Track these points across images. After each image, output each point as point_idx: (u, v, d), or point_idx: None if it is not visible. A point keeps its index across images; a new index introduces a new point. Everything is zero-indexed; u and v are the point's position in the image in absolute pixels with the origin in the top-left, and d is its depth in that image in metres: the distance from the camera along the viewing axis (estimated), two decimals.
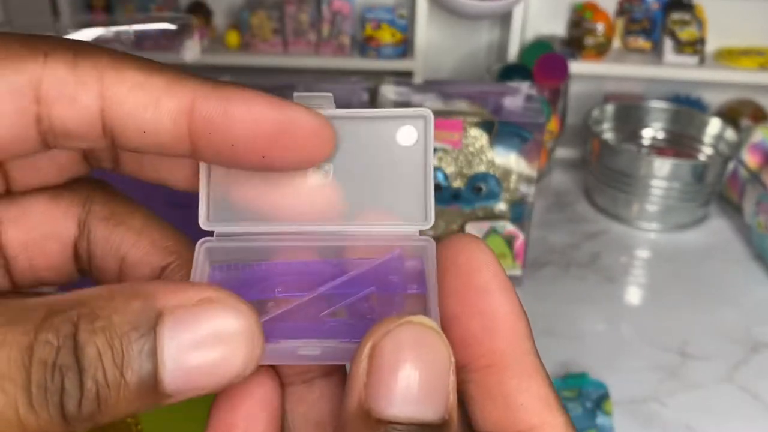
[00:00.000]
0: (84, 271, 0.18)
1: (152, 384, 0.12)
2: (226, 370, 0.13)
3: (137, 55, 0.14)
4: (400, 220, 0.16)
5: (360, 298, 0.16)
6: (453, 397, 0.13)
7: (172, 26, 0.75)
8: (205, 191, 0.17)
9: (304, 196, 0.16)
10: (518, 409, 0.14)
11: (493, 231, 0.74)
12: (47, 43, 0.13)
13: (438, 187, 0.74)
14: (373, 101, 0.73)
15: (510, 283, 0.15)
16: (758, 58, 1.04)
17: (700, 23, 1.03)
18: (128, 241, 0.17)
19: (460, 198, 0.74)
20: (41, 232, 0.16)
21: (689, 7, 1.04)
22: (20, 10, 1.03)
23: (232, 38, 1.06)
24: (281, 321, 0.15)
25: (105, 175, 0.18)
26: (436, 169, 0.73)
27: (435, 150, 0.72)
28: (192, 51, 0.66)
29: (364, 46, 1.05)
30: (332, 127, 0.15)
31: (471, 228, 0.74)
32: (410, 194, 0.16)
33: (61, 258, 0.17)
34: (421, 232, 0.16)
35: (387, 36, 1.05)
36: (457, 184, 0.73)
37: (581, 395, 0.58)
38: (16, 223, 0.16)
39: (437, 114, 0.70)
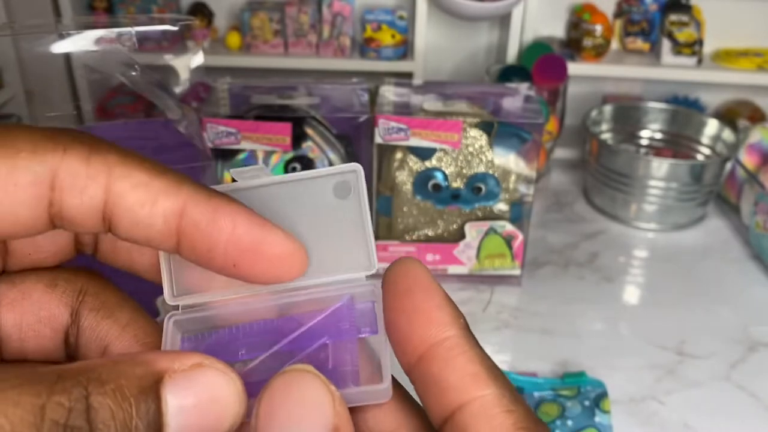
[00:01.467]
0: (70, 356, 0.19)
1: None
2: (220, 428, 0.14)
3: (143, 156, 0.16)
4: (348, 269, 0.17)
5: (315, 349, 0.17)
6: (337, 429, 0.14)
7: (173, 28, 0.76)
8: (167, 270, 0.18)
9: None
10: (448, 390, 0.15)
11: (492, 231, 0.74)
12: (67, 137, 0.15)
13: (438, 188, 0.74)
14: (373, 102, 0.74)
15: (432, 282, 0.16)
16: (756, 59, 1.05)
17: (698, 24, 1.04)
18: (113, 333, 0.18)
19: (460, 198, 0.74)
20: (37, 316, 0.18)
21: (687, 9, 1.05)
22: (22, 11, 1.04)
23: (233, 39, 1.07)
24: (248, 380, 0.16)
25: (100, 266, 0.19)
26: (437, 169, 0.73)
27: (435, 150, 0.72)
28: (197, 58, 0.66)
29: (365, 47, 1.06)
30: (305, 251, 0.17)
31: (470, 228, 0.75)
32: (353, 244, 0.17)
33: (52, 342, 0.18)
34: (368, 277, 0.18)
35: (387, 37, 1.06)
36: (457, 184, 0.74)
37: (580, 394, 0.58)
38: (13, 306, 0.17)
39: (437, 115, 0.71)
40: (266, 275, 0.16)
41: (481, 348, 0.16)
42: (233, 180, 0.18)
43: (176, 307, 0.18)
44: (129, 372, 0.14)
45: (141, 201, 0.15)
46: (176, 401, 0.14)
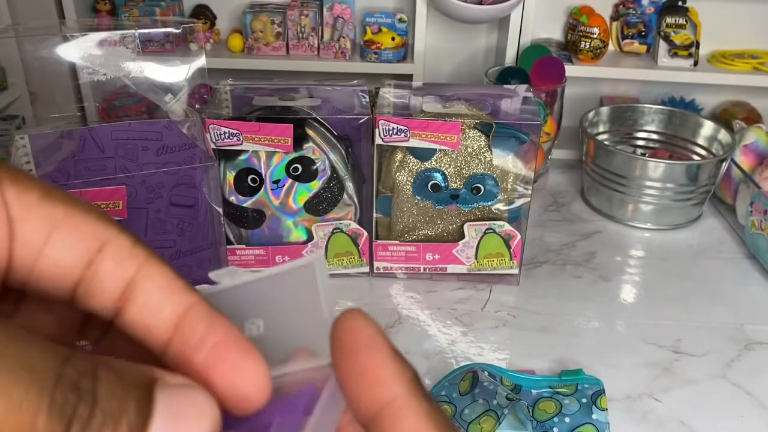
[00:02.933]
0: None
1: None
2: None
3: (171, 266, 0.18)
4: (317, 357, 0.19)
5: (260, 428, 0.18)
6: None
7: (176, 30, 0.76)
8: None
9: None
10: None
11: (491, 230, 0.75)
12: (110, 228, 0.17)
13: (437, 188, 0.75)
14: (374, 104, 0.74)
15: (376, 336, 0.17)
16: (751, 60, 1.06)
17: (695, 27, 1.05)
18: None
19: (459, 198, 0.75)
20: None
21: (684, 11, 1.06)
22: (26, 13, 1.05)
23: (235, 42, 1.08)
24: None
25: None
26: (436, 170, 0.74)
27: (435, 151, 0.73)
28: (199, 60, 0.67)
29: (365, 49, 1.07)
30: (269, 387, 0.17)
31: (469, 228, 0.75)
32: (319, 332, 0.18)
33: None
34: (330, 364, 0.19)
35: (387, 40, 1.07)
36: (456, 184, 0.75)
37: (577, 391, 0.59)
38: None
39: (437, 116, 0.72)
40: (232, 407, 0.17)
41: (429, 400, 0.16)
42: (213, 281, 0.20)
43: None
44: (132, 368, 0.15)
45: (162, 289, 0.17)
46: (165, 406, 0.15)
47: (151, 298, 0.17)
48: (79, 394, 0.14)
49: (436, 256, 0.77)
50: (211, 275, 0.19)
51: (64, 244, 0.16)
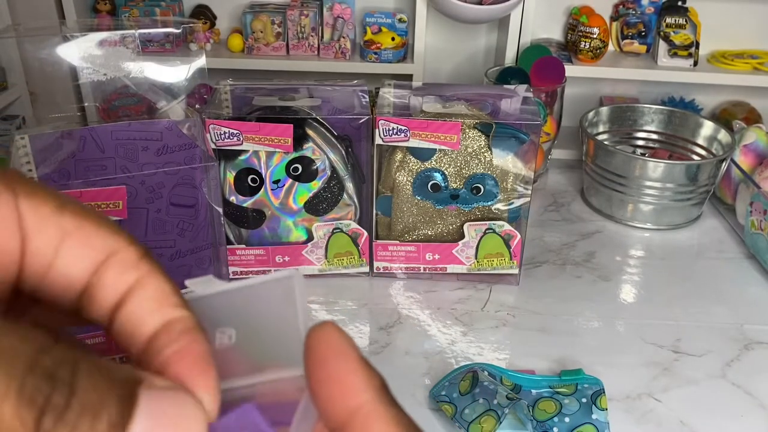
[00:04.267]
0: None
1: None
2: None
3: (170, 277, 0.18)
4: (291, 367, 0.19)
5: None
6: None
7: (176, 30, 0.76)
8: None
9: (216, 360, 0.18)
10: None
11: (490, 230, 0.75)
12: (130, 237, 0.18)
13: (437, 188, 0.75)
14: (374, 104, 0.74)
15: (346, 345, 0.17)
16: (751, 60, 1.06)
17: (694, 27, 1.05)
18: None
19: (459, 198, 0.75)
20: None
21: (683, 11, 1.06)
22: (26, 13, 1.05)
23: (235, 42, 1.08)
24: None
25: None
26: (436, 170, 0.74)
27: (435, 151, 0.73)
28: (199, 60, 0.67)
29: (365, 49, 1.07)
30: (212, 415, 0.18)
31: (469, 228, 0.75)
32: (294, 345, 0.18)
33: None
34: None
35: (387, 40, 1.07)
36: (456, 184, 0.75)
37: (577, 391, 0.59)
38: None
39: (437, 116, 0.72)
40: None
41: (397, 407, 0.17)
42: (185, 288, 0.20)
43: None
44: (118, 367, 0.15)
45: (144, 314, 0.17)
46: (147, 406, 0.15)
47: (140, 308, 0.17)
48: (53, 383, 0.14)
49: (436, 256, 0.77)
50: (187, 283, 0.20)
51: (74, 255, 0.17)
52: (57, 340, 0.15)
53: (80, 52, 0.65)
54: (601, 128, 1.01)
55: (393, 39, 1.07)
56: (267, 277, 0.19)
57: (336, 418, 0.16)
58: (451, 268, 0.77)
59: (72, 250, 0.17)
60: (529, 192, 0.74)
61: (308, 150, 0.73)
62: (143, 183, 0.66)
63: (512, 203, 0.75)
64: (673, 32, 1.04)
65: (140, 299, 0.17)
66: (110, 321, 0.17)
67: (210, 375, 0.17)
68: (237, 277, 0.75)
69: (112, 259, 0.17)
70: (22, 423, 0.13)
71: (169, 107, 0.66)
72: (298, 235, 0.77)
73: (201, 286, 0.20)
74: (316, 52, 1.07)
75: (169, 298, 0.17)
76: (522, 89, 0.76)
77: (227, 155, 0.73)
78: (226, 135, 0.70)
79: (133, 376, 0.15)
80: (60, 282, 0.17)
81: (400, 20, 1.09)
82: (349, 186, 0.75)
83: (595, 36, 1.02)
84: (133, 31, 0.67)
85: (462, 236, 0.76)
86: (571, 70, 1.01)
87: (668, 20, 1.05)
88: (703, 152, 0.96)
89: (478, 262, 0.77)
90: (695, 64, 1.04)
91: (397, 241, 0.77)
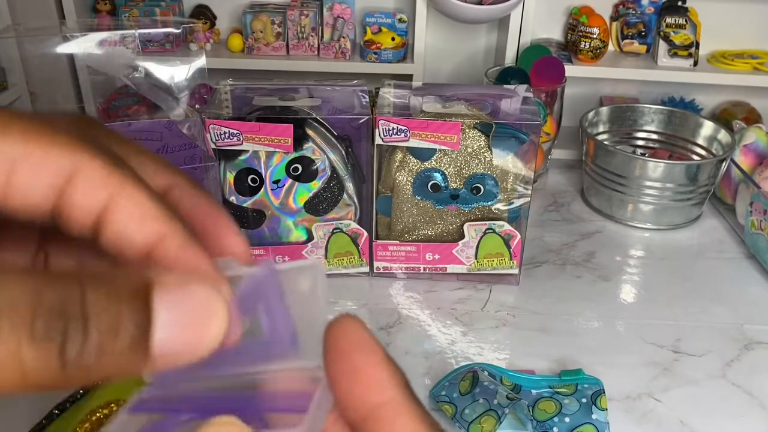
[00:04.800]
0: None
1: (143, 345, 0.14)
2: (203, 340, 0.15)
3: (156, 166, 0.18)
4: (309, 358, 0.19)
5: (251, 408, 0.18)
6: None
7: (176, 30, 0.76)
8: None
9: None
10: None
11: (490, 230, 0.75)
12: (96, 142, 0.16)
13: (437, 188, 0.75)
14: (374, 104, 0.74)
15: (371, 341, 0.17)
16: (751, 60, 1.06)
17: (694, 27, 1.05)
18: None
19: (459, 198, 0.75)
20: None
21: (683, 11, 1.06)
22: (26, 13, 1.05)
23: (235, 42, 1.08)
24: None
25: None
26: (436, 170, 0.74)
27: (435, 151, 0.73)
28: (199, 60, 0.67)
29: (365, 49, 1.07)
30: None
31: (469, 228, 0.75)
32: (314, 334, 0.18)
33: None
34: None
35: (387, 40, 1.07)
36: (456, 184, 0.75)
37: (577, 391, 0.59)
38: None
39: (437, 116, 0.72)
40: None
41: (420, 405, 0.17)
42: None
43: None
44: (122, 277, 0.15)
45: (133, 218, 0.16)
46: (165, 309, 0.15)
47: (122, 228, 0.16)
48: (65, 317, 0.13)
49: (436, 256, 0.77)
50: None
51: (26, 181, 0.15)
52: (54, 274, 0.14)
53: (80, 52, 0.65)
54: (601, 128, 1.01)
55: (393, 39, 1.07)
56: (289, 264, 0.19)
57: (358, 410, 0.16)
58: (451, 268, 0.77)
59: (24, 176, 0.15)
60: (529, 192, 0.74)
61: (308, 150, 0.73)
62: None
63: (512, 203, 0.75)
64: (673, 32, 1.04)
65: (120, 219, 0.16)
66: (95, 239, 0.16)
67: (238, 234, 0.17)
68: None
69: (76, 178, 0.16)
70: (46, 365, 0.13)
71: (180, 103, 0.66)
72: (298, 235, 0.77)
73: (221, 267, 0.19)
74: (316, 52, 1.07)
75: (149, 211, 0.16)
76: (522, 89, 0.76)
77: (227, 155, 0.73)
78: (226, 135, 0.70)
79: (140, 280, 0.15)
80: (24, 207, 0.16)
81: (400, 20, 1.09)
82: (349, 186, 0.75)
83: (595, 36, 1.02)
84: (133, 31, 0.67)
85: (462, 236, 0.76)
86: (571, 70, 1.01)
87: (668, 20, 1.05)
88: (703, 152, 0.96)
89: (478, 262, 0.77)
90: (695, 64, 1.04)
91: (397, 241, 0.77)
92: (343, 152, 0.75)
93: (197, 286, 0.15)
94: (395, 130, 0.70)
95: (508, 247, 0.76)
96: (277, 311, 0.18)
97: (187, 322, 0.15)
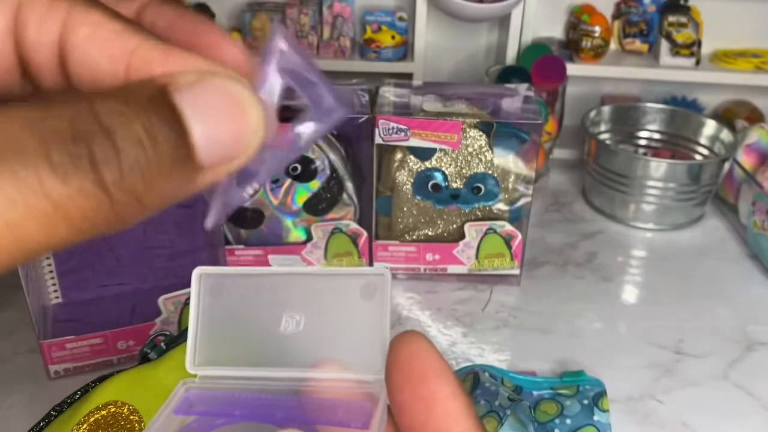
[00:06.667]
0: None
1: (185, 152, 0.13)
2: (246, 129, 0.14)
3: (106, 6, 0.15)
4: (360, 369, 0.18)
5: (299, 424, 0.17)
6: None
7: None
8: (192, 338, 0.19)
9: (278, 344, 0.18)
10: None
11: (491, 230, 0.75)
12: None
13: (437, 188, 0.75)
14: (373, 103, 0.74)
15: (444, 365, 0.17)
16: (754, 59, 1.05)
17: (697, 25, 1.04)
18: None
19: (459, 198, 0.75)
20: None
21: (686, 10, 1.05)
22: None
23: None
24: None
25: None
26: (436, 169, 0.74)
27: (435, 150, 0.73)
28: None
29: (365, 48, 1.06)
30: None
31: (470, 228, 0.75)
32: (370, 345, 0.18)
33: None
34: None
35: (387, 38, 1.06)
36: (456, 184, 0.74)
37: (579, 392, 0.59)
38: None
39: (437, 115, 0.71)
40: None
41: None
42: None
43: (194, 375, 0.19)
44: (132, 88, 0.13)
45: (93, 38, 0.14)
46: (191, 107, 0.13)
47: (84, 56, 0.14)
48: (85, 138, 0.12)
49: (437, 257, 0.76)
50: (270, 259, 0.19)
51: None
52: (50, 100, 0.12)
53: None
54: (602, 127, 1.01)
55: (393, 37, 1.06)
56: (353, 269, 0.19)
57: None
58: (452, 269, 0.77)
59: None
60: (530, 192, 0.74)
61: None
62: None
63: (513, 203, 0.75)
64: (676, 31, 1.04)
65: (78, 45, 0.14)
66: (67, 79, 0.14)
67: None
68: None
69: (22, 15, 0.14)
70: (82, 194, 0.11)
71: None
72: (297, 235, 0.77)
73: (283, 263, 0.19)
74: (315, 51, 1.07)
75: (112, 28, 0.14)
76: (523, 88, 0.75)
77: None
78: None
79: (152, 86, 0.13)
80: None
81: (400, 18, 1.09)
82: (349, 186, 0.75)
83: (596, 35, 1.01)
84: None
85: (462, 236, 0.75)
86: (572, 68, 1.00)
87: (670, 19, 1.04)
88: (705, 152, 0.96)
89: (478, 262, 0.76)
90: (697, 63, 1.04)
91: (397, 242, 0.76)
92: (343, 152, 0.74)
93: (217, 78, 0.14)
94: (395, 130, 0.70)
95: (509, 247, 0.75)
96: (307, 85, 0.16)
97: (222, 115, 0.13)
